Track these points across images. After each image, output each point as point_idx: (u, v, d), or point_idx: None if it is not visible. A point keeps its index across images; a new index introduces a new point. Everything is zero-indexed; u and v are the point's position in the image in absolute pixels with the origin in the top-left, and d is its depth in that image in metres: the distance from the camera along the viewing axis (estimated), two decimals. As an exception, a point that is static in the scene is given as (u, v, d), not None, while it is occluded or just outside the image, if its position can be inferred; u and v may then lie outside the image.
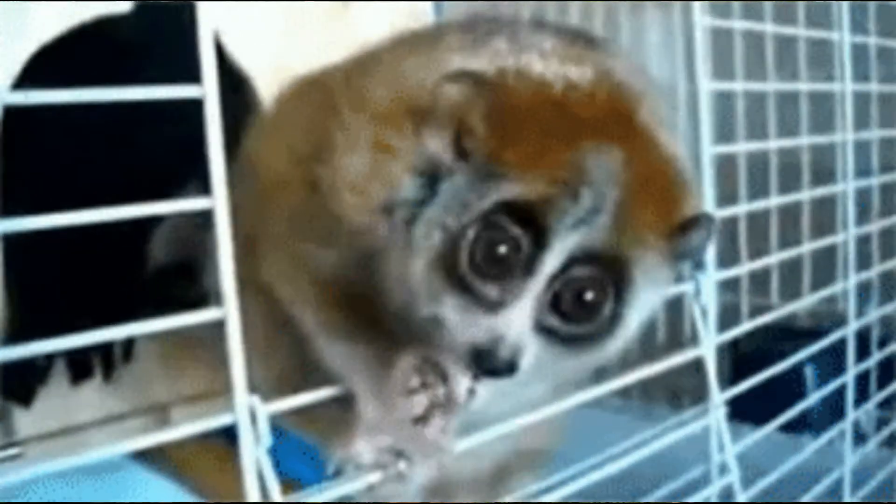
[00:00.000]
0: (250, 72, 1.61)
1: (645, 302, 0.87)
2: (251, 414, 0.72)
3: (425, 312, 0.83)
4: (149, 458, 1.43)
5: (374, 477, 0.84)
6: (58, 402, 1.49)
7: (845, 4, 1.42)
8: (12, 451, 1.43)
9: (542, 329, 0.83)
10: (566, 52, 0.88)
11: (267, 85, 1.58)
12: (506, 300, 0.81)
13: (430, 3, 1.93)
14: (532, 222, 0.79)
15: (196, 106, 0.68)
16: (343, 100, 0.92)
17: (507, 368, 0.80)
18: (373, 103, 0.89)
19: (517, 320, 0.81)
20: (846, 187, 1.45)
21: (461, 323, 0.81)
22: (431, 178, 0.83)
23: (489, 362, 0.80)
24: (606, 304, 0.84)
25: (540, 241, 0.80)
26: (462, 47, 0.90)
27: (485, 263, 0.80)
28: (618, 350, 0.91)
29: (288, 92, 1.14)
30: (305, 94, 1.09)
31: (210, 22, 0.68)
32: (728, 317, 1.22)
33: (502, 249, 0.80)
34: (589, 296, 0.83)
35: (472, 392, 0.85)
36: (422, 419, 0.85)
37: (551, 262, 0.80)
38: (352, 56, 1.02)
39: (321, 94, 1.00)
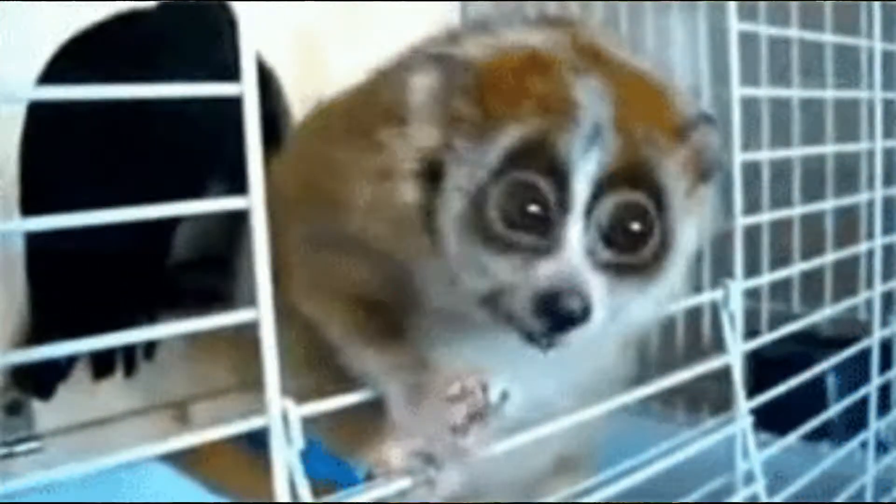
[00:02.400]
0: (275, 62, 1.60)
1: (687, 217, 0.87)
2: (283, 417, 0.71)
3: (481, 289, 0.82)
4: (168, 454, 1.43)
5: (404, 482, 0.84)
6: (78, 397, 1.49)
7: (877, 9, 1.41)
8: (32, 445, 1.43)
9: (601, 265, 0.82)
10: (530, 27, 0.91)
11: (291, 76, 1.57)
12: (552, 244, 0.80)
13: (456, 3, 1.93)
14: (546, 162, 0.80)
15: (222, 102, 0.67)
16: (345, 123, 0.95)
17: (582, 313, 0.79)
18: (363, 120, 0.90)
19: (570, 258, 0.80)
20: (874, 196, 1.44)
21: (517, 280, 0.80)
22: (432, 174, 0.84)
23: (562, 307, 0.78)
24: (653, 226, 0.83)
25: (559, 176, 0.80)
26: (440, 46, 0.91)
27: (517, 216, 0.80)
28: (678, 282, 0.91)
29: (309, 114, 1.16)
30: (321, 118, 1.10)
31: (251, 20, 0.67)
32: (748, 323, 1.21)
33: (528, 199, 0.80)
34: (634, 222, 0.83)
35: (505, 396, 0.85)
36: (460, 428, 0.84)
37: (580, 192, 0.80)
38: (361, 83, 1.03)
39: (330, 119, 1.01)
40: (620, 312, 0.85)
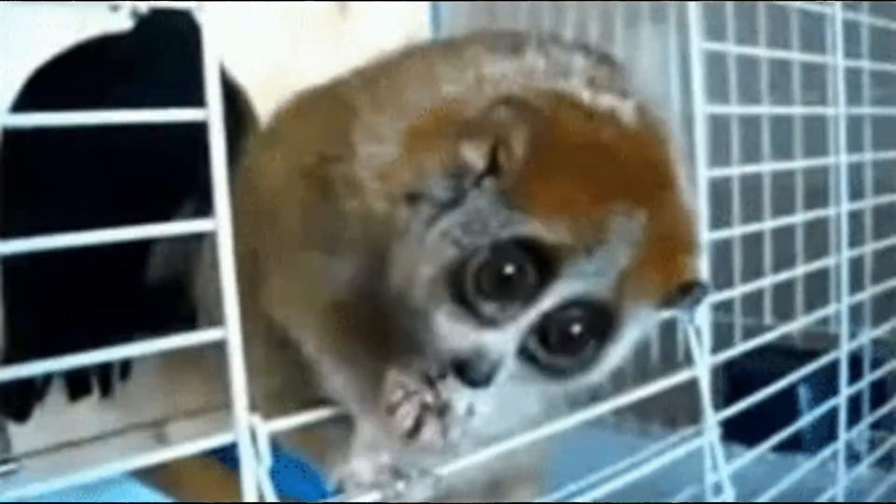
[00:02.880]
0: (246, 78, 1.61)
1: (627, 342, 0.88)
2: (251, 432, 0.73)
3: (420, 310, 0.83)
4: (144, 473, 1.43)
5: (372, 496, 0.85)
6: (55, 418, 1.49)
7: (839, 28, 1.44)
8: (9, 467, 1.43)
9: (524, 353, 0.83)
10: (602, 77, 0.88)
11: (263, 92, 1.58)
12: (499, 321, 0.81)
13: (426, 4, 1.94)
14: (542, 260, 0.80)
15: (195, 124, 0.69)
16: (361, 101, 0.92)
17: (482, 381, 0.81)
18: (401, 103, 0.90)
19: (504, 341, 0.81)
20: (839, 210, 1.46)
21: (451, 331, 0.82)
22: (459, 185, 0.83)
23: (469, 374, 0.81)
24: (591, 343, 0.85)
25: (545, 279, 0.80)
26: (494, 59, 0.90)
27: (489, 285, 0.81)
28: (592, 382, 0.91)
29: (288, 106, 1.15)
30: (309, 106, 1.10)
31: (216, 46, 0.69)
32: (721, 337, 1.23)
33: (509, 277, 0.81)
34: (576, 333, 0.83)
35: (471, 411, 0.86)
36: (415, 429, 0.85)
37: (551, 300, 0.81)
38: (361, 67, 1.03)
39: (329, 102, 1.01)
40: (529, 385, 0.88)
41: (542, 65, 0.89)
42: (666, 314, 1.01)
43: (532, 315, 0.81)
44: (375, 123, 0.90)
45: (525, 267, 0.81)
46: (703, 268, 1.12)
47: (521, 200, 0.80)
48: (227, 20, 1.57)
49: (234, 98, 1.59)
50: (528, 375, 0.85)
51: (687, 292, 0.86)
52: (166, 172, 1.42)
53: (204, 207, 0.72)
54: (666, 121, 0.91)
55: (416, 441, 0.86)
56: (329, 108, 1.02)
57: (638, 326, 0.87)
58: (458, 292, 0.81)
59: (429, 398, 0.86)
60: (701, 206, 1.12)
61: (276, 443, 0.75)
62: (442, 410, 0.86)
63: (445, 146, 0.84)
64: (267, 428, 0.73)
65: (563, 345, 0.84)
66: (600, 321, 0.83)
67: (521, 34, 0.97)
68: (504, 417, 0.92)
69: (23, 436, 1.46)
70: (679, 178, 0.87)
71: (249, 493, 0.73)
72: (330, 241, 0.93)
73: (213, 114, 0.68)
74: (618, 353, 0.87)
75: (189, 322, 1.27)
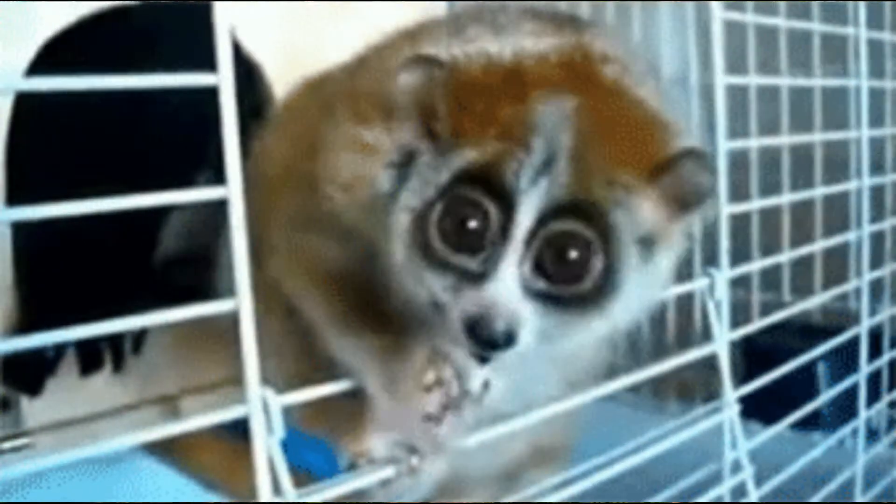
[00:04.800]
0: (262, 58, 1.61)
1: (634, 249, 0.84)
2: (264, 405, 0.71)
3: (421, 298, 0.83)
4: (156, 448, 1.43)
5: (386, 472, 0.84)
6: (67, 393, 1.49)
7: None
8: (21, 442, 1.43)
9: (533, 294, 0.80)
10: (535, 31, 0.88)
11: (280, 73, 1.58)
12: (488, 270, 0.79)
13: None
14: (493, 185, 0.79)
15: (208, 94, 0.67)
16: (339, 100, 0.93)
17: (505, 339, 0.79)
18: (357, 102, 0.90)
19: (503, 286, 0.79)
20: (860, 184, 1.44)
21: (451, 300, 0.80)
22: (406, 168, 0.84)
23: (485, 333, 0.78)
24: (593, 259, 0.81)
25: (505, 202, 0.79)
26: (438, 38, 0.90)
27: (456, 236, 0.80)
28: (625, 317, 0.88)
29: (294, 93, 1.15)
30: (309, 96, 1.10)
31: (226, 10, 0.67)
32: (739, 313, 1.21)
33: (469, 218, 0.79)
34: (571, 252, 0.80)
35: (486, 386, 0.85)
36: (434, 417, 0.84)
37: (523, 220, 0.79)
38: (356, 54, 1.02)
39: (323, 95, 1.01)
40: (559, 337, 0.84)
41: (478, 32, 0.88)
42: (682, 289, 1.00)
43: (516, 247, 0.79)
44: (342, 123, 0.90)
45: (480, 201, 0.79)
46: (721, 241, 1.12)
47: (453, 142, 0.80)
48: (248, 3, 1.57)
49: (252, 73, 1.58)
50: (553, 322, 0.82)
51: (674, 164, 0.83)
52: (178, 146, 1.41)
53: (219, 180, 0.71)
54: (622, 57, 0.89)
55: (431, 430, 0.84)
56: (319, 101, 1.02)
57: (637, 224, 0.83)
58: (434, 257, 0.81)
59: (454, 392, 0.84)
60: (721, 179, 1.11)
61: (288, 419, 0.74)
62: (461, 406, 0.85)
63: (384, 138, 0.85)
64: (279, 401, 0.72)
65: (563, 267, 0.81)
66: (591, 228, 0.81)
67: (484, 9, 0.96)
68: (521, 396, 0.91)
69: (35, 410, 1.47)
70: (615, 81, 0.86)
71: (261, 467, 0.72)
72: (325, 229, 0.93)
73: (223, 79, 0.66)
74: (632, 264, 0.84)
75: (202, 296, 1.26)
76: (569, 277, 0.81)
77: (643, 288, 0.87)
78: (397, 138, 0.84)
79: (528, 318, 0.80)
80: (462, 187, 0.80)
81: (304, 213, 0.96)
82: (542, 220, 0.79)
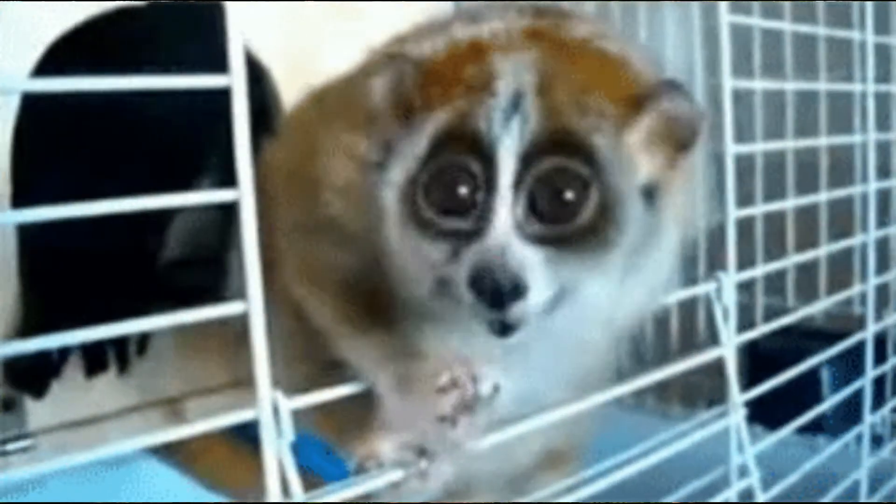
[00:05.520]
0: (271, 64, 1.60)
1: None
2: (274, 409, 0.71)
3: (425, 279, 0.82)
4: (161, 450, 1.43)
5: (395, 475, 0.84)
6: (71, 395, 1.49)
7: (869, 4, 1.41)
8: (24, 443, 1.42)
9: (532, 237, 0.79)
10: (511, 17, 0.90)
11: (288, 78, 1.57)
12: (481, 225, 0.79)
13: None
14: (469, 140, 0.79)
15: (213, 97, 0.67)
16: (336, 108, 0.96)
17: (513, 288, 0.77)
18: (349, 110, 0.91)
19: (499, 235, 0.78)
20: (867, 188, 1.44)
21: (453, 267, 0.80)
22: (387, 159, 0.85)
23: (489, 284, 0.76)
24: (586, 192, 0.80)
25: (484, 153, 0.79)
26: (420, 39, 0.91)
27: (445, 200, 0.80)
28: (634, 262, 0.85)
29: (299, 103, 1.17)
30: (311, 106, 1.11)
31: (239, 12, 0.67)
32: (743, 317, 1.21)
33: (454, 179, 0.80)
34: (560, 187, 0.79)
35: (497, 389, 0.84)
36: (449, 419, 0.83)
37: (505, 166, 0.78)
38: (358, 61, 1.03)
39: (324, 104, 1.03)
40: (572, 291, 0.82)
41: (457, 27, 0.90)
42: (686, 294, 1.00)
43: (505, 194, 0.79)
44: (339, 131, 0.91)
45: (459, 160, 0.80)
46: (729, 246, 1.11)
47: (424, 116, 0.82)
48: (253, 5, 1.57)
49: (261, 77, 1.58)
50: (560, 264, 0.80)
51: (654, 98, 0.83)
52: (180, 152, 1.41)
53: (224, 183, 0.70)
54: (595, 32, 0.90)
55: (446, 433, 0.83)
56: (315, 115, 1.04)
57: (626, 155, 0.83)
58: (428, 227, 0.81)
59: (469, 395, 0.84)
60: (728, 183, 1.11)
61: (297, 422, 0.74)
62: (474, 409, 0.84)
63: (365, 144, 0.86)
64: (290, 404, 0.72)
65: (557, 205, 0.80)
66: (577, 160, 0.80)
67: (472, 9, 0.97)
68: (531, 402, 0.91)
69: (39, 412, 1.46)
70: (578, 38, 0.87)
71: (271, 471, 0.71)
72: (330, 236, 0.93)
73: (236, 80, 0.66)
74: (631, 193, 0.83)
75: (206, 298, 1.26)
76: (564, 214, 0.80)
77: (649, 237, 0.86)
78: (376, 139, 0.86)
79: (531, 261, 0.78)
80: (441, 152, 0.80)
81: (310, 219, 0.96)
82: (525, 162, 0.79)
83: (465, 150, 0.79)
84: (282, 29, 1.64)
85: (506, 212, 0.78)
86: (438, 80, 0.83)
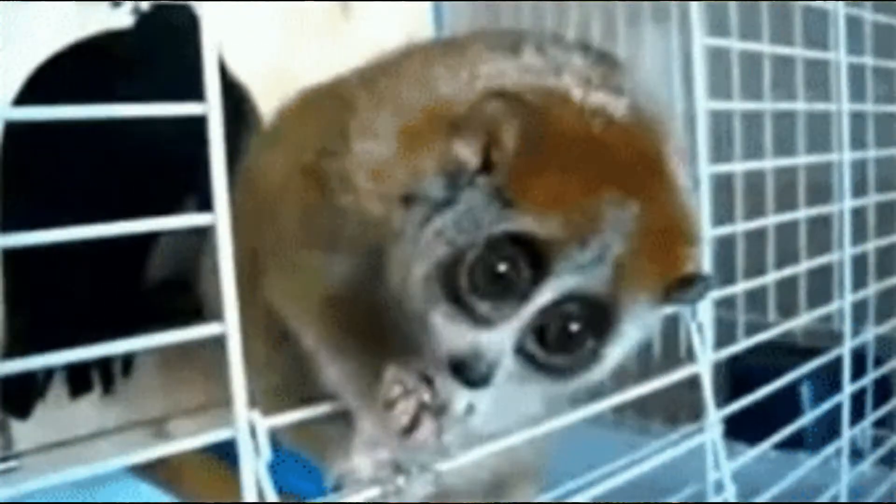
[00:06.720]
0: (248, 79, 1.61)
1: (628, 340, 0.87)
2: (251, 428, 0.72)
3: (416, 311, 0.83)
4: (144, 470, 1.44)
5: (372, 492, 0.85)
6: (56, 415, 1.49)
7: (841, 25, 1.43)
8: (10, 464, 1.43)
9: (522, 353, 0.83)
10: (598, 76, 0.88)
11: (266, 92, 1.59)
12: (494, 320, 0.81)
13: (429, 4, 1.94)
14: (535, 256, 0.80)
15: (196, 122, 0.69)
16: (361, 99, 0.93)
17: (480, 381, 0.81)
18: (398, 102, 0.90)
19: (500, 341, 0.81)
20: (842, 206, 1.46)
21: (447, 331, 0.81)
22: (454, 183, 0.83)
23: (466, 374, 0.80)
24: (589, 341, 0.84)
25: (539, 274, 0.80)
26: (491, 58, 0.90)
27: (483, 283, 0.80)
28: (592, 381, 0.90)
29: (291, 104, 1.15)
30: (311, 104, 1.10)
31: (214, 40, 0.69)
32: (724, 333, 1.22)
33: (502, 274, 0.80)
34: (573, 330, 0.83)
35: (471, 409, 0.86)
36: (411, 427, 0.85)
37: (546, 296, 0.80)
38: (362, 66, 1.03)
39: (331, 99, 1.02)
40: (526, 385, 0.87)
41: (538, 63, 0.88)
42: (668, 310, 1.02)
43: (528, 313, 0.81)
44: (372, 120, 0.90)
45: (518, 263, 0.80)
46: (705, 263, 1.13)
47: (513, 196, 0.80)
48: (229, 20, 1.58)
49: (237, 97, 1.59)
50: (528, 375, 0.85)
51: (687, 285, 0.85)
52: (167, 171, 1.42)
53: (205, 206, 0.72)
54: (664, 119, 0.90)
55: (411, 439, 0.85)
56: (329, 105, 1.02)
57: (638, 324, 0.86)
58: (453, 291, 0.81)
59: (426, 397, 0.85)
60: (703, 203, 1.12)
61: (275, 439, 0.75)
62: (439, 410, 0.86)
63: (439, 145, 0.84)
64: (266, 423, 0.73)
65: (561, 343, 0.83)
66: (598, 317, 0.83)
67: (522, 33, 0.96)
68: (504, 416, 0.92)
69: (24, 433, 1.46)
70: (675, 173, 0.87)
71: (249, 490, 0.73)
72: (328, 240, 0.93)
73: (212, 108, 0.68)
74: (618, 351, 0.87)
75: (191, 320, 1.27)
76: (562, 350, 0.84)
77: (615, 360, 0.89)
78: (454, 152, 0.83)
79: (507, 369, 0.82)
80: (506, 243, 0.80)
81: (306, 223, 0.96)
82: (562, 301, 0.81)
83: (524, 256, 0.80)
84: (260, 46, 1.64)
85: (520, 325, 0.81)
86: (539, 180, 0.80)
